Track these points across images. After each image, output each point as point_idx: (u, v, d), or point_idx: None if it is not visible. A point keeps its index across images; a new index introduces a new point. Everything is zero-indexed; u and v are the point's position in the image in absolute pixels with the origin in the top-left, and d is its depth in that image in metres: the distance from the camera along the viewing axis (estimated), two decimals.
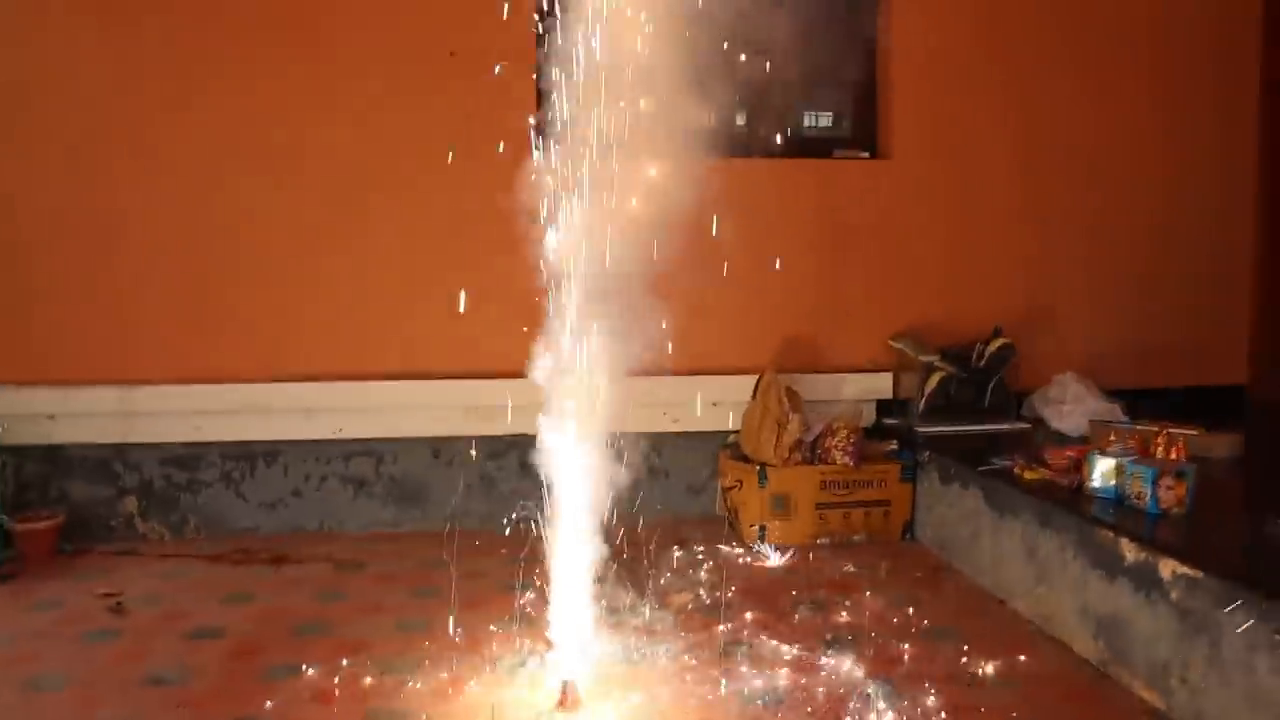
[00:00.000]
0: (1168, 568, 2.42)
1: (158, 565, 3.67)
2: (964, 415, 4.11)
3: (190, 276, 3.92)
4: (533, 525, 2.75)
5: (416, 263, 3.98)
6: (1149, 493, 2.73)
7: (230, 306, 3.94)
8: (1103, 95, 4.47)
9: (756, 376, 4.03)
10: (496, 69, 3.32)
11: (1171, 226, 4.57)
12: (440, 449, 4.06)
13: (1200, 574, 2.31)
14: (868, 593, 3.25)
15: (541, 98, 2.89)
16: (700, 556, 3.64)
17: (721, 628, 2.95)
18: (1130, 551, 2.57)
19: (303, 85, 3.90)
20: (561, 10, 2.65)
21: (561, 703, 2.42)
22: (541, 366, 2.71)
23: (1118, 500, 2.84)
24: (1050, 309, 4.50)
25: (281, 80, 3.89)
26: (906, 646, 2.80)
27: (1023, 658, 2.74)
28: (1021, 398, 4.32)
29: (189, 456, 3.98)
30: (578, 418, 2.62)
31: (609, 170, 2.63)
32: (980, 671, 2.63)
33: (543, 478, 2.66)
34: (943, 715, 2.37)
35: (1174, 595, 2.38)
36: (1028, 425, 4.15)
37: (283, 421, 3.96)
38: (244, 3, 3.87)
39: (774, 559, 3.64)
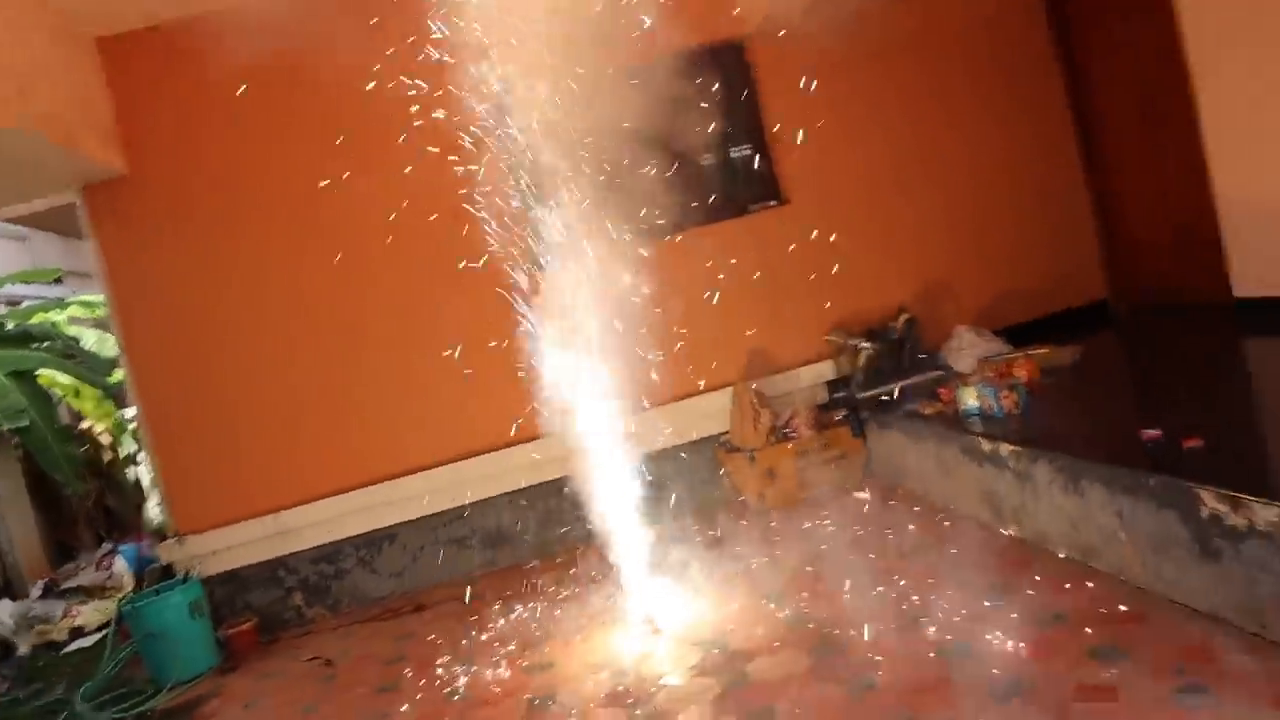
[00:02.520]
0: (1005, 449, 3.72)
1: (332, 634, 4.97)
2: (891, 378, 5.39)
3: (304, 420, 5.25)
4: (591, 536, 4.06)
5: (458, 373, 5.27)
6: (995, 404, 4.04)
7: (337, 437, 5.27)
8: (941, 112, 5.80)
9: (730, 388, 5.35)
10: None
11: (1017, 195, 5.88)
12: (510, 500, 5.36)
13: (1020, 448, 3.61)
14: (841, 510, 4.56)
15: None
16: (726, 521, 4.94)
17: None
18: (986, 444, 3.86)
19: (353, 271, 5.26)
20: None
21: (649, 628, 3.73)
22: (564, 420, 4.06)
23: (979, 413, 4.15)
24: (942, 280, 5.80)
25: (330, 269, 5.25)
26: (863, 528, 4.10)
27: (946, 524, 4.03)
28: (935, 353, 5.61)
29: (330, 552, 5.29)
30: (604, 450, 3.95)
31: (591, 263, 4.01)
32: (912, 534, 3.92)
33: (593, 502, 3.97)
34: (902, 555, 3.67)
35: (1011, 464, 3.68)
36: (941, 372, 5.43)
37: (392, 509, 5.27)
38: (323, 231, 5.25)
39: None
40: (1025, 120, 5.93)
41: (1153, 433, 3.22)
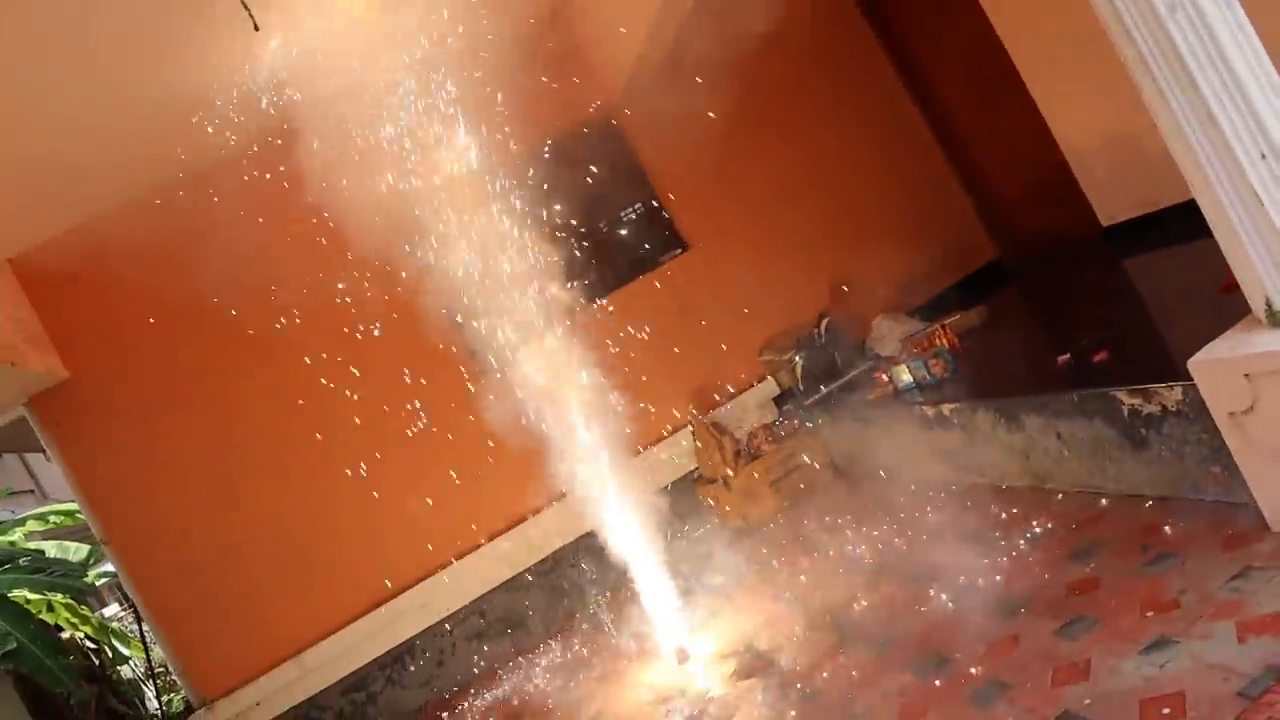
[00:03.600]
0: (947, 409, 4.13)
1: None
2: (828, 378, 5.81)
3: (299, 559, 5.41)
4: (602, 591, 4.32)
5: (447, 478, 5.54)
6: (926, 374, 4.46)
7: (335, 567, 5.44)
8: (800, 130, 6.32)
9: (688, 427, 5.69)
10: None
11: (890, 187, 6.40)
12: (516, 582, 5.58)
13: (957, 405, 4.03)
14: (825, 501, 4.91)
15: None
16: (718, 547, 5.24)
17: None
18: (930, 410, 4.27)
19: (319, 405, 5.49)
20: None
21: (680, 659, 3.99)
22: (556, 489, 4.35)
23: (916, 386, 4.57)
24: (849, 279, 6.27)
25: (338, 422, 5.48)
26: (843, 515, 4.45)
27: (914, 491, 4.40)
28: (861, 345, 6.05)
29: (358, 680, 5.42)
30: (598, 506, 4.25)
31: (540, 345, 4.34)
32: (887, 507, 4.29)
33: (598, 557, 4.24)
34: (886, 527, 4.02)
35: (956, 421, 4.09)
36: (871, 362, 5.87)
37: (407, 621, 5.44)
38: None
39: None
40: (875, 118, 6.47)
41: (1065, 358, 3.66)
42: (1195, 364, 2.64)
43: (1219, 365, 2.55)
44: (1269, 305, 2.45)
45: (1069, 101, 5.12)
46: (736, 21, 5.29)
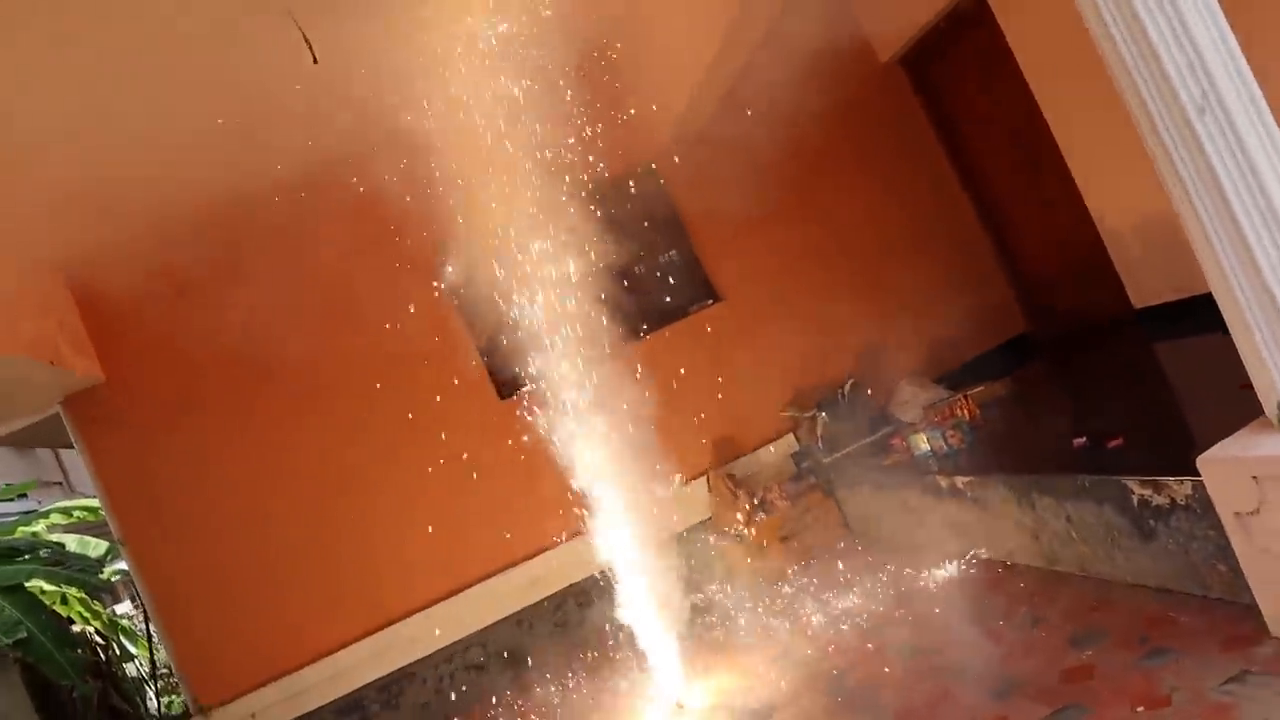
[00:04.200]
0: (961, 481, 4.12)
1: None
2: (849, 439, 5.81)
3: (305, 577, 5.47)
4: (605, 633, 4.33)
5: (460, 509, 5.59)
6: (944, 443, 4.46)
7: (341, 587, 5.49)
8: (844, 195, 6.37)
9: (705, 477, 5.71)
10: None
11: (928, 255, 6.41)
12: (519, 616, 5.59)
13: (971, 478, 4.02)
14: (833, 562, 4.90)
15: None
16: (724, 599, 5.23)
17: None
18: (944, 480, 4.27)
19: (339, 423, 5.58)
20: None
21: (676, 708, 3.99)
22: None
23: (933, 455, 4.56)
24: (878, 343, 6.26)
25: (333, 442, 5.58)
26: (852, 578, 4.43)
27: (924, 559, 4.38)
28: (884, 409, 6.04)
29: (352, 702, 5.44)
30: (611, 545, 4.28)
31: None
32: (895, 576, 4.27)
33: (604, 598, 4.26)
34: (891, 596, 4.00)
35: (968, 494, 4.08)
36: (892, 426, 5.86)
37: (405, 648, 5.47)
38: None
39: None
40: (919, 187, 6.51)
41: (1080, 440, 3.65)
42: (1204, 461, 2.63)
43: (1228, 464, 2.54)
44: None
45: (1108, 182, 5.14)
46: (787, 84, 5.38)
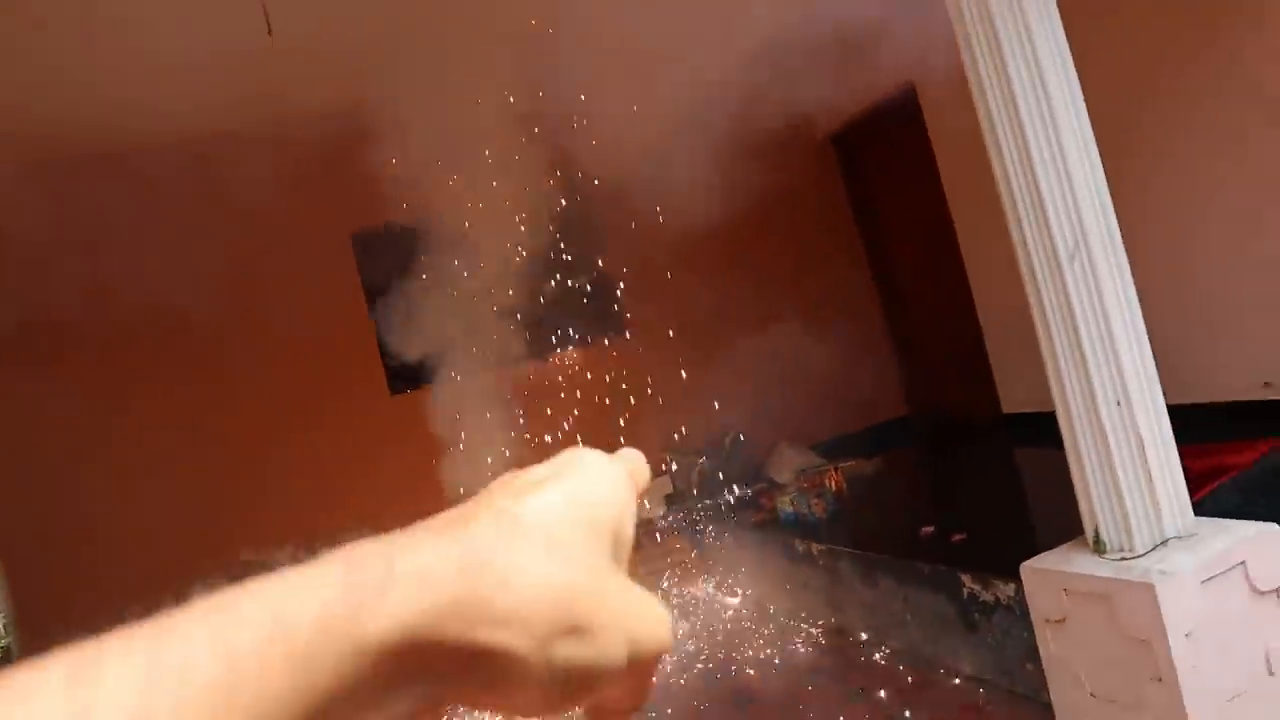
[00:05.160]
0: (815, 549, 4.34)
1: None
2: (722, 489, 6.01)
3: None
4: None
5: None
6: (808, 510, 4.68)
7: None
8: (759, 266, 6.62)
9: None
10: None
11: (827, 330, 6.65)
12: None
13: (826, 546, 4.24)
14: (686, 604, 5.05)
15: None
16: None
17: None
18: (800, 545, 4.48)
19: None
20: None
21: None
22: None
23: (795, 519, 4.78)
24: (765, 403, 6.48)
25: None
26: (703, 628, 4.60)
27: (771, 617, 4.57)
28: (760, 466, 6.27)
29: None
30: None
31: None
32: (742, 630, 4.45)
33: None
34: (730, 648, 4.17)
35: (821, 562, 4.30)
36: (764, 484, 6.09)
37: None
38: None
39: None
40: (834, 261, 6.83)
41: (928, 529, 3.90)
42: (1025, 568, 2.87)
43: (1044, 575, 2.79)
44: (1097, 534, 2.70)
45: (996, 292, 5.49)
46: (728, 144, 5.58)
